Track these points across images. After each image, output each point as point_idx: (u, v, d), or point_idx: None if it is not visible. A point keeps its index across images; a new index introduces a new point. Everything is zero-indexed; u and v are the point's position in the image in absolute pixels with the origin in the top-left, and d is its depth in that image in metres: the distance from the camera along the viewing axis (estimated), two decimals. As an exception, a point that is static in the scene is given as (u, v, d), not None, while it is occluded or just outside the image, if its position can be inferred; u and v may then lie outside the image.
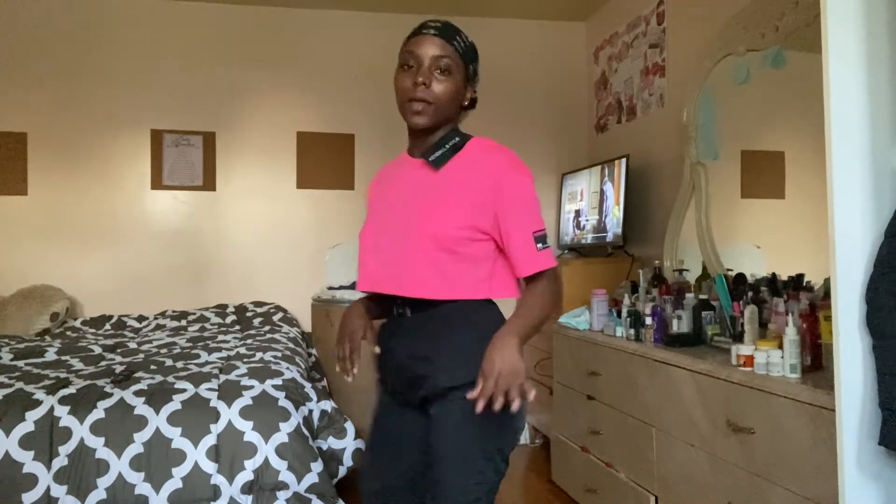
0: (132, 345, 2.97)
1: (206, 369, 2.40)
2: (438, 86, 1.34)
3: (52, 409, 2.04)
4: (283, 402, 2.18)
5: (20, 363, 2.56)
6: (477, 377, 1.24)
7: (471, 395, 1.22)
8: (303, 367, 2.66)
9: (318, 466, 2.11)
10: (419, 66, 1.35)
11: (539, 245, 1.36)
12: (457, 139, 1.40)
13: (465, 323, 1.37)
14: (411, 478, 1.44)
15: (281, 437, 2.09)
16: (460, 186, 1.35)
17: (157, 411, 2.07)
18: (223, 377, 2.28)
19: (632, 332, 2.45)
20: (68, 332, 3.36)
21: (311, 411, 2.32)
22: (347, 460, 2.36)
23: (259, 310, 3.63)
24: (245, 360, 2.52)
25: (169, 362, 2.54)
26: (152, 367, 2.45)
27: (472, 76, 1.43)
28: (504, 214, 1.35)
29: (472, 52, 1.42)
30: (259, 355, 2.59)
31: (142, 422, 2.04)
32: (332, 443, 2.35)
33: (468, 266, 1.36)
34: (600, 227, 3.40)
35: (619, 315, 2.59)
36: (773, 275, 2.33)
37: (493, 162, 1.36)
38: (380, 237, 1.40)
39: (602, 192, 3.43)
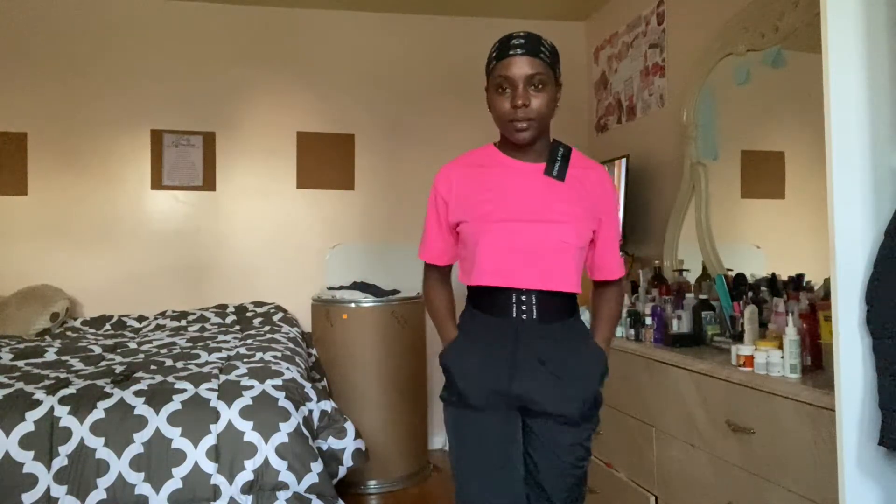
0: (132, 345, 2.97)
1: (206, 369, 2.40)
2: (536, 101, 1.44)
3: (52, 409, 2.04)
4: (283, 403, 2.18)
5: (20, 363, 2.56)
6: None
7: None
8: (303, 367, 2.66)
9: (318, 466, 2.11)
10: (514, 87, 1.43)
11: (621, 254, 1.63)
12: (562, 149, 1.54)
13: (585, 330, 1.58)
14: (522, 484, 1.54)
15: (281, 437, 2.09)
16: (582, 194, 1.51)
17: (157, 411, 2.07)
18: (223, 377, 2.28)
19: (632, 332, 2.45)
20: (68, 332, 3.36)
21: (311, 411, 2.32)
22: (347, 460, 2.36)
23: (259, 310, 3.63)
24: (245, 360, 2.52)
25: (169, 362, 2.54)
26: (152, 367, 2.45)
27: (558, 77, 1.52)
28: (608, 222, 1.56)
29: (555, 55, 1.51)
30: (259, 355, 2.59)
31: (142, 422, 2.04)
32: (332, 443, 2.35)
33: (582, 264, 1.56)
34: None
35: (619, 315, 2.59)
36: (773, 275, 2.33)
37: (598, 172, 1.57)
38: (514, 236, 1.46)
39: (602, 192, 3.42)
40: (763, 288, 2.29)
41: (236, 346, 2.83)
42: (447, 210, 1.54)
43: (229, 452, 2.05)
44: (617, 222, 1.61)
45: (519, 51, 1.42)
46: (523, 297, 1.48)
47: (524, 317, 1.48)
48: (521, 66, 1.42)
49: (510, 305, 1.48)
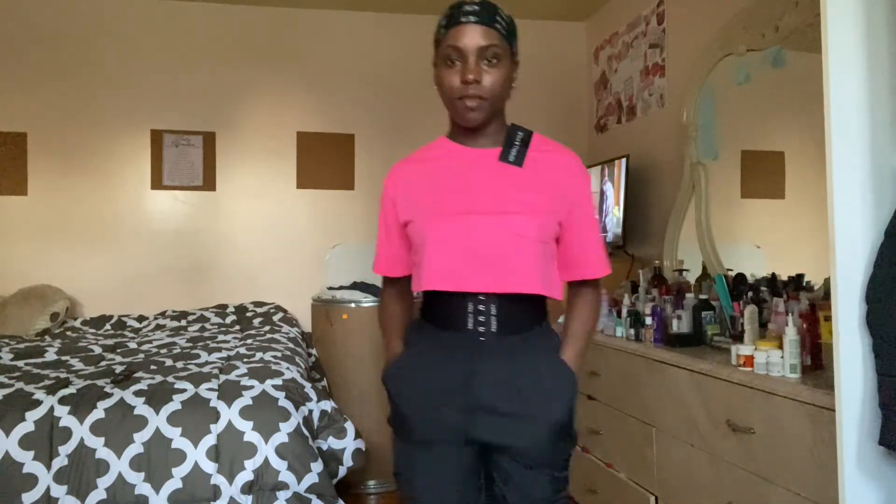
0: (132, 345, 2.97)
1: (206, 369, 2.41)
2: (489, 77, 1.25)
3: (52, 409, 2.03)
4: (283, 402, 2.18)
5: (20, 363, 2.56)
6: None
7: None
8: (303, 367, 2.66)
9: (318, 466, 2.11)
10: (464, 60, 1.25)
11: (600, 251, 1.39)
12: (521, 133, 1.36)
13: (553, 346, 1.37)
14: None
15: (281, 437, 2.09)
16: (546, 180, 1.31)
17: (157, 411, 2.07)
18: (223, 377, 2.28)
19: (632, 332, 2.45)
20: (68, 332, 3.36)
21: (311, 411, 2.32)
22: (347, 460, 2.36)
23: (259, 310, 3.63)
24: (245, 360, 2.52)
25: (169, 362, 2.54)
26: (152, 367, 2.45)
27: (515, 54, 1.33)
28: (580, 212, 1.34)
29: (512, 28, 1.32)
30: (259, 355, 2.59)
31: (142, 422, 2.04)
32: (332, 443, 2.35)
33: (553, 263, 1.34)
34: (600, 227, 3.41)
35: (619, 315, 2.59)
36: (773, 275, 2.33)
37: (565, 156, 1.36)
38: (464, 231, 1.28)
39: (602, 192, 3.43)
40: (763, 288, 2.29)
41: (236, 346, 2.83)
42: (395, 212, 1.39)
43: (229, 452, 2.05)
44: (591, 211, 1.38)
45: (472, 18, 1.24)
46: (481, 307, 1.27)
47: (482, 329, 1.28)
48: (473, 37, 1.24)
49: (465, 316, 1.28)
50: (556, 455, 1.32)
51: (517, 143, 1.34)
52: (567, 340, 1.38)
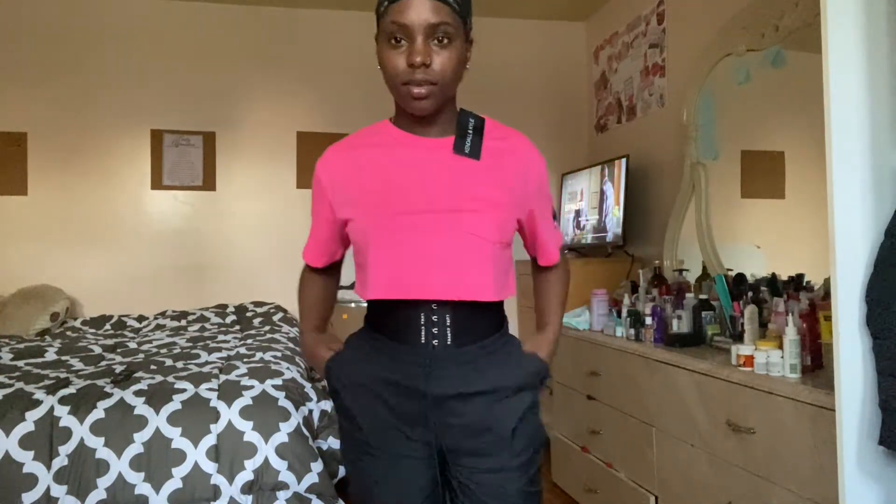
0: (132, 345, 2.97)
1: (206, 369, 2.41)
2: (440, 59, 1.10)
3: (52, 409, 2.04)
4: (283, 402, 2.18)
5: (20, 363, 2.56)
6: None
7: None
8: (303, 367, 2.66)
9: (318, 466, 2.12)
10: (411, 39, 1.09)
11: (556, 223, 1.34)
12: (473, 120, 1.22)
13: (514, 349, 1.27)
14: None
15: (281, 437, 2.09)
16: (504, 172, 1.20)
17: (157, 411, 2.07)
18: (223, 377, 2.28)
19: (632, 332, 2.45)
20: (68, 332, 3.36)
21: (311, 411, 2.32)
22: (347, 460, 2.36)
23: (259, 310, 3.63)
24: (245, 360, 2.52)
25: (169, 362, 2.54)
26: (152, 367, 2.45)
27: (469, 32, 1.17)
28: (541, 200, 1.27)
29: (466, 2, 1.15)
30: (259, 355, 2.59)
31: (142, 422, 2.04)
32: (332, 443, 2.35)
33: (510, 262, 1.23)
34: (600, 227, 3.40)
35: (619, 315, 2.59)
36: (773, 275, 2.33)
37: (521, 141, 1.25)
38: (414, 232, 1.14)
39: (602, 192, 3.42)
40: (763, 288, 2.29)
41: (236, 346, 2.83)
42: (330, 205, 1.23)
43: (229, 452, 2.05)
44: (548, 196, 1.30)
45: None
46: (434, 318, 1.15)
47: (436, 342, 1.15)
48: (420, 12, 1.07)
49: (418, 328, 1.15)
50: (523, 454, 1.20)
51: (470, 131, 1.20)
52: (543, 321, 1.37)
